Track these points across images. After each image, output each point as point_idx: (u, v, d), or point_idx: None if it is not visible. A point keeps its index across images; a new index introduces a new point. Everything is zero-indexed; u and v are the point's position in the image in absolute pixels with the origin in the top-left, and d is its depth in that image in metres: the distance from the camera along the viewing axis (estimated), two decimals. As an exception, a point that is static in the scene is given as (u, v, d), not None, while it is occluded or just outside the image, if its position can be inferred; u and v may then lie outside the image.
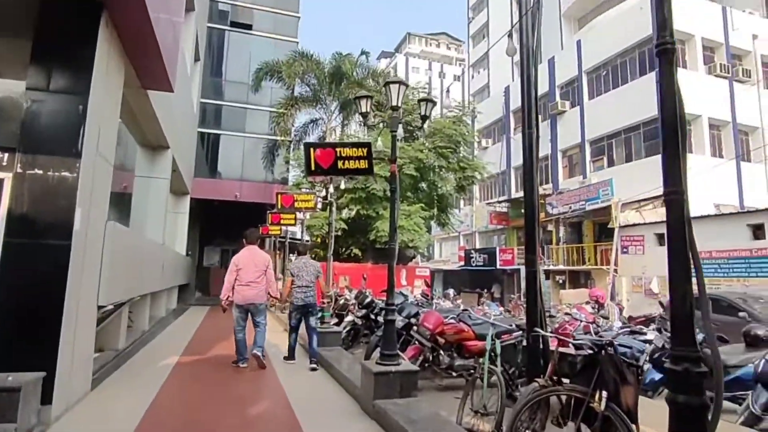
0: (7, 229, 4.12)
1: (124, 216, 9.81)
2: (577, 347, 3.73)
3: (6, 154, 4.89)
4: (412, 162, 15.08)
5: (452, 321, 6.23)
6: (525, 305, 5.24)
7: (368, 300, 8.65)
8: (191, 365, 6.95)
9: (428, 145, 15.56)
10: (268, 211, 16.89)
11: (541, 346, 4.17)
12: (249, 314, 6.66)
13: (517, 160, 26.97)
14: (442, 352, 6.09)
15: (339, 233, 15.01)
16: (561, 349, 3.74)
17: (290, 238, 16.93)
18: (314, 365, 6.73)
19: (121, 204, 9.85)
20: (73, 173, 4.32)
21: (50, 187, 4.26)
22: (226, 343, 8.15)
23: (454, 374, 6.10)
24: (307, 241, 16.61)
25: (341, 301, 10.41)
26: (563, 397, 3.42)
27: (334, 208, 8.02)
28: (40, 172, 4.25)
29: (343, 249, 16.77)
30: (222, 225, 20.89)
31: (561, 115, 25.08)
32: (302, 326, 7.13)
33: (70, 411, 4.44)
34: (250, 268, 6.56)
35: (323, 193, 11.10)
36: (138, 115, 8.26)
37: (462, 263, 28.81)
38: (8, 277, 4.05)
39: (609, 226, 19.32)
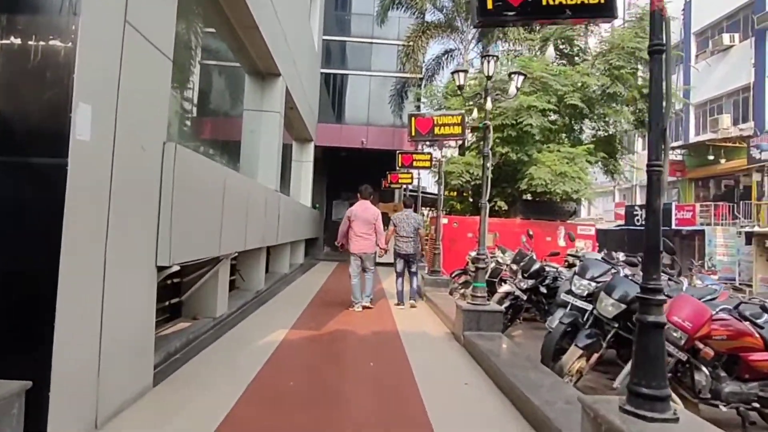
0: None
1: (233, 162, 8.44)
2: None
3: None
4: (576, 90, 11.72)
5: (722, 315, 3.51)
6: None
7: (536, 267, 6.13)
8: (308, 320, 5.24)
9: (600, 66, 11.97)
10: (388, 172, 14.97)
11: None
12: (362, 261, 7.21)
13: (702, 92, 21.32)
14: (702, 367, 3.45)
15: (479, 182, 12.46)
16: None
17: (422, 192, 14.95)
18: (413, 302, 7.68)
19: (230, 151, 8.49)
20: (66, 42, 2.47)
21: (31, 67, 2.47)
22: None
23: (721, 406, 3.47)
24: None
25: (491, 264, 8.07)
26: None
27: (490, 134, 5.58)
28: (16, 40, 2.47)
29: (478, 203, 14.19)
30: (349, 177, 19.54)
31: (775, 28, 18.77)
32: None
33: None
34: (361, 221, 7.13)
35: (472, 117, 8.62)
36: (236, 26, 6.54)
37: (621, 222, 24.30)
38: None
39: None
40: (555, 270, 6.30)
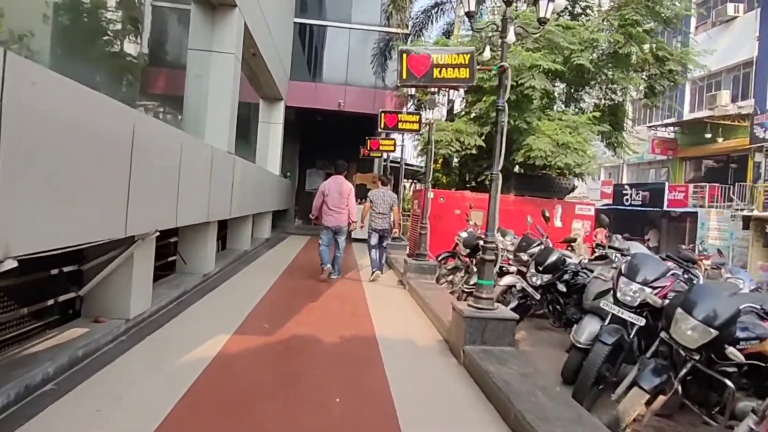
0: None
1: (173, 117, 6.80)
2: None
3: None
4: (585, 49, 10.27)
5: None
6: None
7: (554, 259, 4.79)
8: (261, 318, 3.80)
9: (613, 23, 10.50)
10: (367, 137, 13.48)
11: None
12: (334, 234, 7.34)
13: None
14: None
15: (471, 152, 11.05)
16: None
17: (405, 164, 13.50)
18: (379, 273, 7.89)
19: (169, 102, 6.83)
20: None
21: None
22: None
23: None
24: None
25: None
26: None
27: (508, 80, 4.08)
28: None
29: (472, 175, 12.82)
30: (325, 143, 17.90)
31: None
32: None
33: None
34: (335, 196, 7.18)
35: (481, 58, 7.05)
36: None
37: (608, 201, 23.38)
38: None
39: None
40: (576, 263, 4.99)
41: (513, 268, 6.61)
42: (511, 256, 6.17)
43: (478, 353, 3.77)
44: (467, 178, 13.82)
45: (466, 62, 4.22)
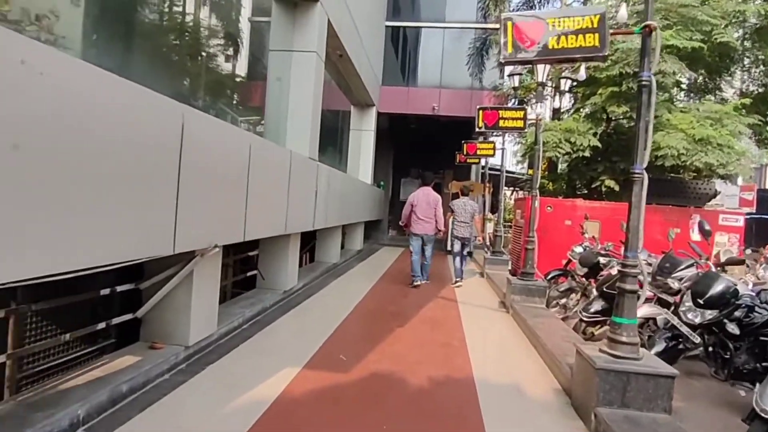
0: None
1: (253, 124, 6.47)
2: None
3: None
4: (729, 24, 8.44)
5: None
6: None
7: (721, 288, 3.50)
8: (335, 352, 3.09)
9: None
10: (464, 142, 12.49)
11: None
12: (422, 241, 7.67)
13: None
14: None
15: (584, 154, 9.62)
16: None
17: (507, 172, 12.25)
18: (458, 282, 8.09)
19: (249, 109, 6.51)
20: None
21: None
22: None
23: None
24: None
25: (609, 268, 5.55)
26: None
27: (657, 43, 2.97)
28: None
29: (584, 180, 11.27)
30: (420, 152, 17.18)
31: None
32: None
33: None
34: (423, 206, 7.58)
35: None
36: None
37: (750, 209, 19.86)
38: None
39: None
40: (752, 294, 3.64)
41: (644, 293, 5.31)
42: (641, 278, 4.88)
43: (619, 422, 2.70)
44: (577, 185, 12.25)
45: (595, 25, 3.13)
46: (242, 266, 6.22)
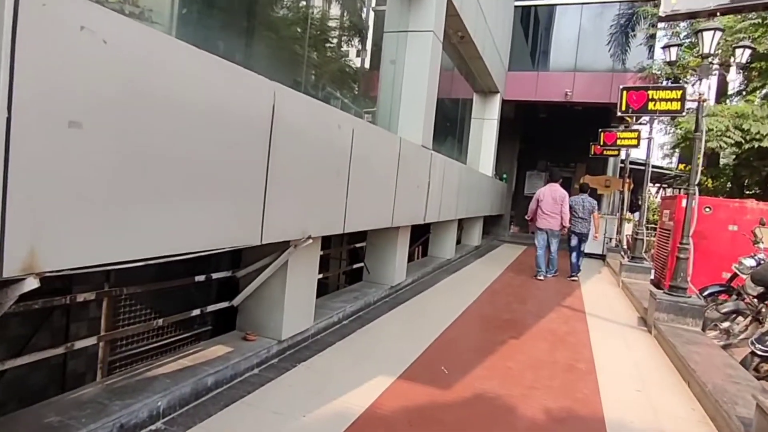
0: None
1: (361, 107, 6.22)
2: None
3: None
4: None
5: None
6: None
7: None
8: (432, 364, 2.70)
9: None
10: (601, 131, 11.09)
11: None
12: (547, 236, 7.83)
13: None
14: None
15: (761, 144, 7.83)
16: None
17: (652, 166, 10.58)
18: (574, 277, 8.11)
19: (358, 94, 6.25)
20: None
21: None
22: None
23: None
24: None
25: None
26: None
27: None
28: None
29: (757, 177, 9.29)
30: (549, 143, 15.80)
31: None
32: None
33: None
34: (549, 201, 7.75)
35: None
36: None
37: None
38: None
39: None
40: None
41: None
42: None
43: None
44: (746, 182, 10.17)
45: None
46: (351, 258, 6.07)
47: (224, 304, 3.42)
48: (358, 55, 6.33)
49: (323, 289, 5.12)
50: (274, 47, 4.19)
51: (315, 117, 3.25)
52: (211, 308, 3.30)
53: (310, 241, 3.29)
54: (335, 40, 5.82)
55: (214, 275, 3.27)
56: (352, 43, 6.48)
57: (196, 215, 2.30)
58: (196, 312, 3.19)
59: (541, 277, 7.87)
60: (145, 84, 1.93)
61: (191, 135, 2.19)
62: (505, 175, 15.63)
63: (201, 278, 3.17)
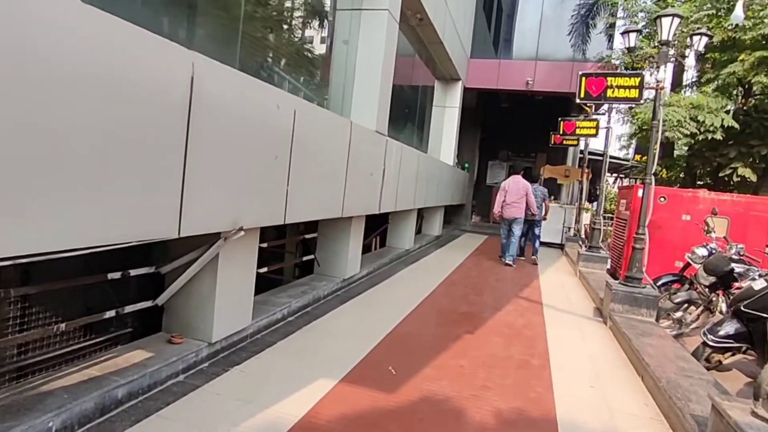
0: None
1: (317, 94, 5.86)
2: None
3: None
4: None
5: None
6: None
7: None
8: (379, 364, 2.45)
9: None
10: (560, 120, 11.09)
11: None
12: (510, 224, 8.40)
13: None
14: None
15: (714, 136, 7.94)
16: None
17: (609, 157, 10.65)
18: (535, 258, 9.10)
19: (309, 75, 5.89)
20: None
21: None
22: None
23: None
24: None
25: (748, 279, 4.35)
26: None
27: None
28: None
29: (708, 168, 9.50)
30: (510, 133, 15.78)
31: None
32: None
33: None
34: (513, 192, 8.28)
35: None
36: None
37: None
38: None
39: None
40: None
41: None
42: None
43: None
44: (699, 173, 10.40)
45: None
46: (304, 250, 5.75)
47: (147, 304, 3.06)
48: (308, 34, 5.96)
49: (273, 284, 4.79)
50: (200, 17, 3.79)
51: (246, 93, 2.91)
52: (129, 309, 2.94)
53: (242, 233, 2.97)
54: (280, 17, 5.41)
55: (133, 272, 2.91)
56: (305, 21, 6.10)
57: (89, 204, 1.95)
58: (111, 314, 2.82)
59: (509, 261, 8.38)
60: (17, 39, 1.56)
61: (77, 103, 1.83)
62: (467, 165, 15.55)
63: (116, 275, 2.80)
